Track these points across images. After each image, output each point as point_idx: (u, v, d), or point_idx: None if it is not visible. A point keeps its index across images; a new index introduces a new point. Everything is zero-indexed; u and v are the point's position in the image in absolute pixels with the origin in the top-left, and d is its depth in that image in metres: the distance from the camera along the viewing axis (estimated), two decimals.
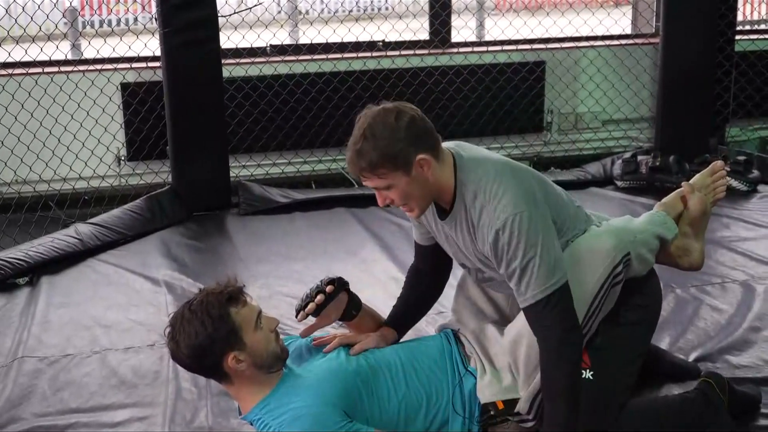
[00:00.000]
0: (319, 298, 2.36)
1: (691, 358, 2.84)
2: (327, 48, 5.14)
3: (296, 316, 2.39)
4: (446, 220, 2.28)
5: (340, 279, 2.44)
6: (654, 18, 5.71)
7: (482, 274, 2.39)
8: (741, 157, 4.85)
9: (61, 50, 4.65)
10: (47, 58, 4.63)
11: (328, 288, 2.38)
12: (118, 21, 6.15)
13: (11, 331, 3.20)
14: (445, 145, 2.26)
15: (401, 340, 2.56)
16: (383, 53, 5.22)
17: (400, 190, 2.16)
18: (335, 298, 2.42)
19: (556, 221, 2.24)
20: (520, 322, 2.28)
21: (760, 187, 4.71)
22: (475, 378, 2.33)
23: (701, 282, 3.37)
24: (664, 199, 2.69)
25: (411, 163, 2.12)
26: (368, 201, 4.52)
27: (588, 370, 2.25)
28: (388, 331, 2.54)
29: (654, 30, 5.67)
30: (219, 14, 4.52)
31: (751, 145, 5.62)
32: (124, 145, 4.94)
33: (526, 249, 2.11)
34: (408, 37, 5.37)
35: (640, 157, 4.91)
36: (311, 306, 2.35)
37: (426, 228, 2.44)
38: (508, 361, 2.30)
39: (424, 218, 2.38)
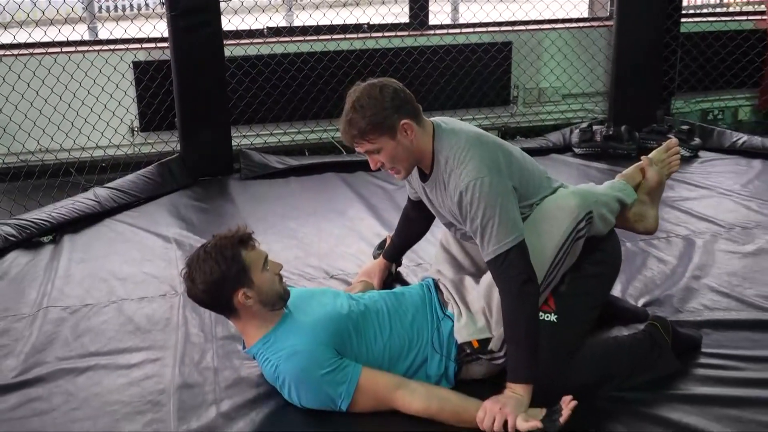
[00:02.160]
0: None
1: (640, 303, 2.84)
2: (318, 30, 5.09)
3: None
4: (427, 183, 2.34)
5: None
6: (608, 2, 5.68)
7: (460, 231, 2.41)
8: (684, 127, 4.85)
9: (78, 32, 4.58)
10: (66, 39, 4.56)
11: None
12: (131, 5, 6.05)
13: (36, 284, 3.17)
14: (429, 119, 2.32)
15: (388, 290, 2.57)
16: (368, 35, 5.16)
17: (388, 152, 2.22)
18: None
19: (519, 188, 2.26)
20: None
21: (701, 153, 4.72)
22: (452, 321, 2.32)
23: (648, 236, 3.36)
24: (625, 171, 2.72)
25: (395, 128, 2.18)
26: (356, 166, 4.52)
27: (552, 314, 2.26)
28: (387, 265, 2.90)
29: (608, 14, 5.65)
30: None
31: (694, 116, 5.62)
32: (137, 117, 4.90)
33: (485, 209, 2.15)
34: (390, 20, 5.32)
35: (595, 127, 4.90)
36: None
37: (415, 189, 2.53)
38: (482, 306, 2.30)
39: (411, 181, 2.46)
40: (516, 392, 2.12)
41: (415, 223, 2.78)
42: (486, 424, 2.08)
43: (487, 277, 2.31)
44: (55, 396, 2.36)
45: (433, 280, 2.51)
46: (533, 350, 2.15)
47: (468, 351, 2.29)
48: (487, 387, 2.27)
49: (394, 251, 2.93)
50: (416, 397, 2.16)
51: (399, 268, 3.04)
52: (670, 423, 2.14)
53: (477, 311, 2.31)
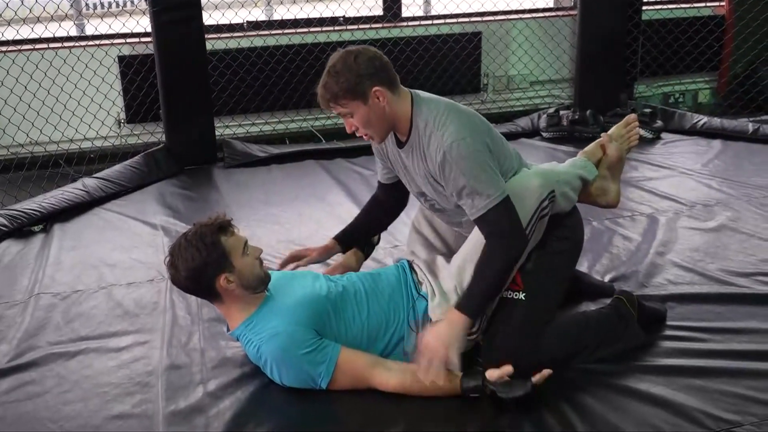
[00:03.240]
0: None
1: (606, 279, 2.84)
2: (295, 23, 5.02)
3: None
4: (403, 149, 2.28)
5: None
6: None
7: (437, 204, 2.35)
8: (647, 110, 4.84)
9: (64, 28, 4.50)
10: (53, 36, 4.48)
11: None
12: (116, 3, 5.95)
13: (28, 272, 3.12)
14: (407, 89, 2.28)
15: (365, 271, 2.51)
16: (343, 27, 5.11)
17: (360, 117, 2.17)
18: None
19: (491, 148, 2.22)
20: (464, 251, 2.28)
21: (663, 135, 4.72)
22: (427, 300, 2.30)
23: (614, 215, 3.37)
24: (586, 148, 2.69)
25: (367, 94, 2.14)
26: (335, 154, 4.49)
27: (521, 292, 2.23)
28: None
29: (572, 3, 5.61)
30: None
31: (656, 100, 5.62)
32: (123, 109, 4.82)
33: (469, 169, 2.11)
34: (364, 12, 5.25)
35: (561, 112, 4.88)
36: None
37: (389, 164, 2.43)
38: (454, 284, 2.27)
39: (386, 150, 2.38)
40: (453, 319, 2.13)
41: (382, 207, 2.62)
42: (423, 366, 2.09)
43: (458, 257, 2.29)
44: (47, 379, 2.33)
45: (408, 261, 2.48)
46: (488, 296, 2.17)
47: None
48: (462, 360, 2.22)
49: (349, 232, 2.63)
50: (392, 375, 2.15)
51: (377, 249, 2.94)
52: (638, 393, 2.14)
53: (450, 290, 2.27)
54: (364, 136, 2.25)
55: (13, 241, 3.44)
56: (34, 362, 2.42)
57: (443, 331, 2.12)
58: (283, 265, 2.52)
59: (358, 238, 2.65)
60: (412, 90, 2.28)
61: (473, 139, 2.14)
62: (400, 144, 2.29)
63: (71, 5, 4.98)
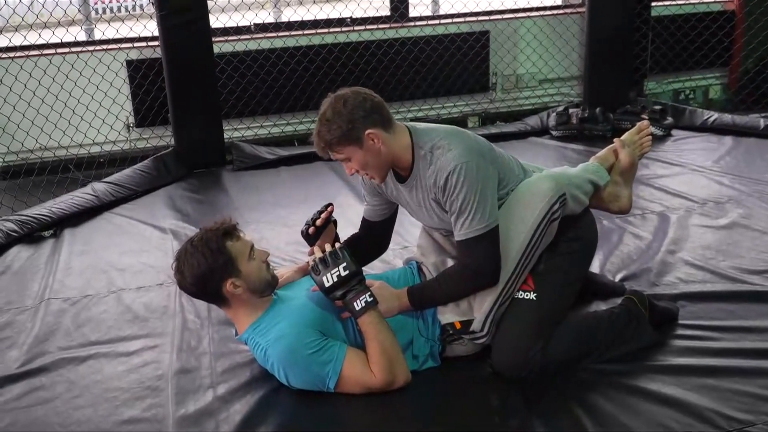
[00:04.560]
0: (324, 215, 2.39)
1: (617, 278, 2.82)
2: (303, 25, 5.02)
3: (305, 234, 2.40)
4: (405, 184, 2.28)
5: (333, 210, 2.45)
6: None
7: (444, 231, 2.37)
8: (657, 107, 4.83)
9: (71, 33, 4.52)
10: (60, 41, 4.50)
11: (330, 208, 2.40)
12: (125, 7, 5.97)
13: (38, 277, 3.13)
14: (403, 123, 2.28)
15: (374, 273, 2.50)
16: (351, 28, 5.11)
17: (358, 160, 2.18)
18: (328, 225, 2.43)
19: (500, 174, 2.24)
20: None
21: (674, 132, 4.69)
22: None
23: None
24: (598, 153, 2.69)
25: (361, 139, 2.14)
26: None
27: (532, 292, 2.23)
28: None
29: (580, 1, 5.58)
30: None
31: (666, 96, 5.59)
32: (132, 114, 4.83)
33: (467, 193, 2.12)
34: (372, 13, 5.25)
35: (571, 110, 4.87)
36: (321, 218, 2.38)
37: (384, 200, 2.43)
38: None
39: (387, 188, 2.37)
40: (401, 297, 2.24)
41: (363, 246, 2.49)
42: None
43: None
44: (57, 385, 2.33)
45: (417, 263, 2.48)
46: (437, 302, 2.26)
47: (451, 332, 2.26)
48: (471, 360, 2.28)
49: None
50: (373, 360, 2.14)
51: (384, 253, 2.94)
52: (649, 393, 2.12)
53: None
54: (365, 176, 2.27)
55: (23, 247, 3.45)
56: (45, 367, 2.43)
57: (388, 298, 2.23)
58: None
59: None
60: (408, 123, 2.27)
61: (477, 165, 2.14)
62: (402, 179, 2.28)
63: (79, 10, 5.00)
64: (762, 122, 4.58)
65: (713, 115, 4.78)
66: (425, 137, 2.21)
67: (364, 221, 2.52)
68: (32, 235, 3.55)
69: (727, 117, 4.74)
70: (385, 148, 2.17)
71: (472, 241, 2.15)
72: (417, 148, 2.20)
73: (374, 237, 2.53)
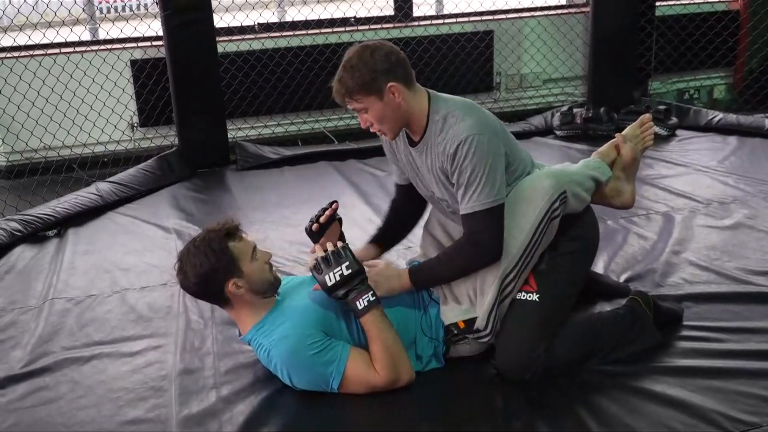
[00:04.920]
0: (328, 211, 2.36)
1: (622, 279, 2.80)
2: (306, 25, 5.02)
3: (309, 231, 2.38)
4: (416, 147, 2.27)
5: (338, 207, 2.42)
6: None
7: (447, 205, 2.33)
8: (662, 107, 4.81)
9: (76, 33, 4.53)
10: (65, 41, 4.51)
11: (334, 205, 2.38)
12: (129, 7, 5.98)
13: (42, 277, 3.13)
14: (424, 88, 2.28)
15: None
16: (355, 28, 5.11)
17: (375, 112, 2.16)
18: (332, 223, 2.40)
19: (509, 156, 2.22)
20: None
21: (678, 132, 4.68)
22: (438, 304, 2.29)
23: (629, 214, 3.33)
24: (600, 149, 2.66)
25: (382, 90, 2.13)
26: (347, 155, 4.48)
27: (534, 293, 2.22)
28: (369, 248, 2.53)
29: (585, 1, 5.57)
30: None
31: (670, 96, 5.58)
32: (136, 113, 4.84)
33: (477, 165, 2.11)
34: (375, 13, 5.25)
35: (575, 110, 4.85)
36: (325, 215, 2.36)
37: (401, 165, 2.41)
38: (466, 287, 2.25)
39: (397, 149, 2.37)
40: (403, 277, 2.25)
41: (403, 209, 2.60)
42: None
43: None
44: (61, 385, 2.33)
45: (418, 263, 2.47)
46: (438, 281, 2.27)
47: (455, 332, 2.25)
48: (475, 361, 2.27)
49: (379, 235, 2.60)
50: (376, 359, 2.14)
51: (388, 252, 2.94)
52: (654, 395, 2.11)
53: (461, 293, 2.26)
54: (377, 132, 2.24)
55: (27, 246, 3.45)
56: (48, 367, 2.42)
57: (391, 277, 2.25)
58: None
59: (394, 237, 2.61)
60: (428, 89, 2.26)
61: (489, 140, 2.13)
62: (413, 143, 2.28)
63: (83, 10, 5.00)
64: (767, 122, 4.56)
65: (718, 115, 4.76)
66: (442, 104, 2.21)
67: (396, 186, 2.55)
68: (36, 234, 3.54)
69: (732, 117, 4.72)
70: (404, 104, 2.17)
71: (479, 215, 2.13)
72: (432, 113, 2.20)
73: (409, 198, 2.51)
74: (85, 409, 2.20)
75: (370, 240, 2.57)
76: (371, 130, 2.24)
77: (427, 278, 2.27)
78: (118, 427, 2.12)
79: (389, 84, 2.13)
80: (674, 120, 4.74)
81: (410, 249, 3.07)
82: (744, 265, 2.85)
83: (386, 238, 2.58)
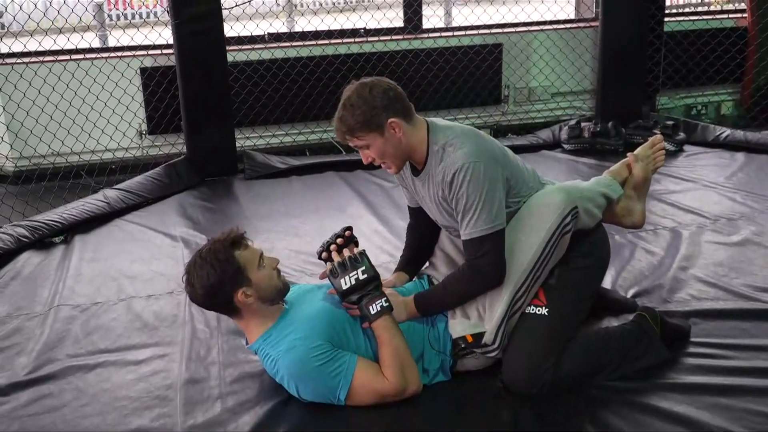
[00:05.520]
0: (340, 240, 2.31)
1: (629, 294, 2.79)
2: (317, 35, 5.04)
3: (319, 257, 2.34)
4: (419, 177, 2.29)
5: (352, 233, 2.37)
6: (594, 4, 5.62)
7: (452, 231, 2.36)
8: (669, 122, 4.80)
9: (86, 40, 4.54)
10: (75, 47, 4.52)
11: (347, 233, 2.34)
12: (133, 15, 6.00)
13: (48, 283, 3.13)
14: (424, 118, 2.30)
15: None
16: (365, 39, 5.11)
17: (377, 148, 2.20)
18: (348, 246, 2.34)
19: (510, 181, 2.24)
20: None
21: (686, 147, 4.67)
22: (446, 318, 2.28)
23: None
24: (612, 167, 2.66)
25: (383, 126, 2.16)
26: (355, 165, 4.47)
27: (544, 307, 2.21)
28: (400, 275, 2.53)
29: (594, 15, 5.59)
30: (223, 6, 4.40)
31: (678, 112, 5.57)
32: (145, 121, 4.85)
33: (473, 192, 2.13)
34: (385, 24, 5.26)
35: (583, 124, 4.84)
36: (334, 246, 2.30)
37: (411, 191, 2.44)
38: (474, 302, 2.24)
39: (404, 179, 2.40)
40: (409, 305, 2.25)
41: (421, 230, 2.57)
42: None
43: None
44: (65, 392, 2.32)
45: (428, 276, 2.47)
46: (443, 306, 2.26)
47: (463, 345, 2.24)
48: (482, 375, 2.26)
49: (404, 262, 2.60)
50: (386, 364, 2.14)
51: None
52: (662, 412, 2.09)
53: (470, 307, 2.25)
54: (381, 166, 2.27)
55: (33, 252, 3.45)
56: (53, 375, 2.41)
57: (397, 305, 2.23)
58: None
59: (418, 261, 2.58)
60: (427, 119, 2.29)
61: (486, 166, 2.15)
62: (416, 172, 2.30)
63: (94, 17, 5.02)
64: None
65: (725, 131, 4.75)
66: (440, 134, 2.23)
67: (410, 209, 2.56)
68: (43, 241, 3.55)
69: (740, 133, 4.71)
70: (405, 139, 2.20)
71: (476, 241, 2.15)
72: (432, 144, 2.22)
73: (423, 220, 2.50)
74: (89, 418, 2.19)
75: (396, 268, 2.57)
76: (374, 164, 2.26)
77: (433, 306, 2.27)
78: None
79: (389, 120, 2.16)
80: (682, 135, 4.73)
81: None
82: (751, 282, 2.84)
83: (411, 264, 2.58)
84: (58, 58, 4.51)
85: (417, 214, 2.52)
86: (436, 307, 2.27)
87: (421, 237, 2.57)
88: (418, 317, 2.26)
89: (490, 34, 5.33)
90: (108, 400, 2.27)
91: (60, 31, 4.50)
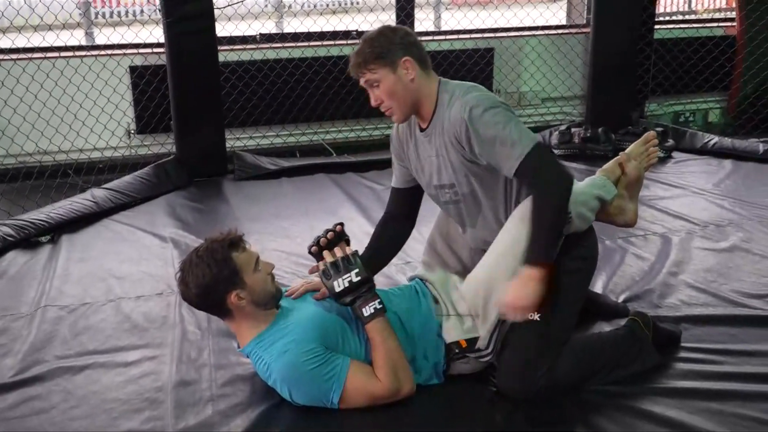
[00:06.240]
0: (330, 234, 2.28)
1: (620, 299, 2.79)
2: (308, 36, 5.03)
3: (309, 251, 2.31)
4: (425, 131, 2.28)
5: (343, 228, 2.33)
6: (585, 11, 5.64)
7: (454, 193, 2.31)
8: (659, 129, 4.80)
9: (76, 37, 4.50)
10: (64, 45, 4.48)
11: (338, 227, 2.31)
12: (126, 12, 5.96)
13: (35, 283, 3.09)
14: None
15: (378, 289, 2.44)
16: (356, 41, 5.08)
17: (387, 85, 2.18)
18: (339, 243, 2.28)
19: None
20: (478, 272, 2.24)
21: (675, 154, 4.70)
22: (440, 322, 2.26)
23: (627, 234, 3.33)
24: (605, 166, 2.65)
25: (396, 63, 2.17)
26: (345, 168, 4.47)
27: (537, 313, 2.19)
28: None
29: (585, 21, 5.61)
30: (215, 6, 4.37)
31: (667, 118, 5.61)
32: (134, 120, 4.81)
33: (499, 119, 2.13)
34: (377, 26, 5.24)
35: (573, 129, 4.87)
36: (323, 240, 2.27)
37: (405, 162, 2.40)
38: (468, 306, 2.23)
39: (402, 144, 2.38)
40: (526, 275, 2.07)
41: (395, 224, 2.50)
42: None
43: (473, 277, 2.25)
44: (53, 394, 2.28)
45: (422, 279, 2.45)
46: (551, 239, 2.12)
47: (456, 350, 2.23)
48: (474, 382, 2.24)
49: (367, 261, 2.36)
50: (379, 366, 2.12)
51: (389, 265, 2.86)
52: (654, 416, 2.09)
53: (464, 312, 2.24)
54: (386, 111, 2.25)
55: (19, 252, 3.41)
56: (40, 376, 2.37)
57: (520, 290, 2.06)
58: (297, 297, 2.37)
59: (378, 265, 2.47)
60: (440, 77, 2.29)
61: (498, 103, 2.17)
62: (421, 130, 2.29)
63: (82, 14, 4.98)
64: (761, 147, 4.59)
65: (713, 139, 4.79)
66: (451, 85, 2.25)
67: (393, 192, 2.51)
68: (29, 240, 3.50)
69: (727, 141, 4.75)
70: (416, 82, 2.19)
71: (527, 161, 2.09)
72: (442, 93, 2.23)
73: (403, 208, 2.48)
74: (77, 420, 2.15)
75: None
76: (381, 108, 2.24)
77: (541, 248, 2.10)
78: None
79: (404, 58, 2.17)
80: (671, 142, 4.76)
81: (409, 264, 3.06)
82: (740, 288, 2.86)
83: (371, 263, 2.42)
84: (47, 55, 4.47)
85: (399, 200, 2.48)
86: (547, 246, 2.11)
87: (393, 233, 2.50)
88: (546, 268, 2.08)
89: (482, 38, 5.33)
90: (97, 402, 2.24)
91: (50, 27, 4.45)
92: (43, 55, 4.46)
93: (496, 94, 5.27)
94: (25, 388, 2.31)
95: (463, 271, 2.41)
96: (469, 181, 2.26)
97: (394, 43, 2.17)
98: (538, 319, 2.18)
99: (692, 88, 5.54)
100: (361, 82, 2.22)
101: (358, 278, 2.14)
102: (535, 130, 5.17)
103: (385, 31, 2.20)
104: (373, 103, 2.25)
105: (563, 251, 2.24)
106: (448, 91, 2.22)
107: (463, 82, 2.28)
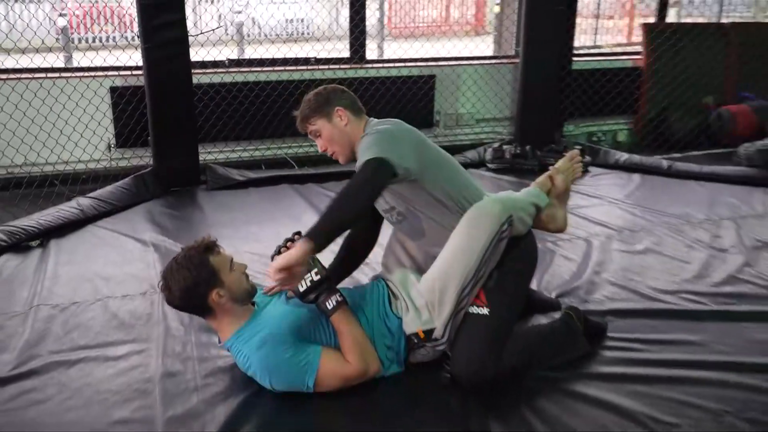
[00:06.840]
0: (290, 243, 2.20)
1: (553, 295, 2.82)
2: (273, 62, 4.95)
3: (272, 259, 2.22)
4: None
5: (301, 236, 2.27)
6: (515, 44, 5.69)
7: (398, 214, 2.33)
8: (578, 146, 4.88)
9: (61, 60, 4.35)
10: (51, 66, 4.33)
11: (296, 236, 2.23)
12: (107, 38, 5.79)
13: (27, 285, 2.95)
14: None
15: (342, 286, 2.42)
16: (315, 67, 5.05)
17: (326, 134, 2.29)
18: None
19: (460, 185, 2.27)
20: (433, 271, 2.23)
21: (591, 168, 4.77)
22: (399, 318, 2.24)
23: (555, 238, 3.37)
24: (537, 179, 2.67)
25: (331, 113, 2.28)
26: (306, 179, 4.41)
27: (485, 307, 2.19)
28: None
29: (514, 53, 5.66)
30: (189, 34, 4.26)
31: (581, 137, 5.70)
32: (114, 135, 4.65)
33: (372, 142, 2.14)
34: (334, 54, 5.21)
35: (504, 146, 4.90)
36: (284, 248, 2.19)
37: None
38: (425, 301, 2.22)
39: None
40: (301, 244, 1.96)
41: (358, 239, 2.53)
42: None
43: (429, 276, 2.24)
44: (49, 387, 2.19)
45: (383, 278, 2.43)
46: (327, 220, 1.98)
47: (415, 341, 2.21)
48: (433, 368, 2.23)
49: (334, 270, 2.50)
50: (347, 351, 2.10)
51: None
52: (589, 398, 2.11)
53: (421, 306, 2.22)
54: (332, 156, 2.30)
55: (11, 256, 3.26)
56: (36, 371, 2.27)
57: (286, 254, 1.97)
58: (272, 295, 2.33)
59: (347, 271, 2.63)
60: (370, 118, 2.35)
61: (392, 133, 2.19)
62: None
63: (57, 39, 4.82)
64: (665, 163, 4.70)
65: (624, 155, 4.88)
66: (372, 123, 2.30)
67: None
68: (20, 245, 3.35)
69: (636, 157, 4.85)
70: (349, 127, 2.28)
71: (361, 167, 2.03)
72: (365, 132, 2.28)
73: (366, 223, 2.50)
74: (73, 410, 2.07)
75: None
76: (327, 154, 2.31)
77: (315, 226, 1.98)
78: (106, 427, 2.00)
79: (336, 108, 2.27)
80: (588, 158, 4.84)
81: (368, 265, 3.01)
82: (654, 285, 2.91)
83: (341, 270, 2.56)
84: (35, 76, 4.30)
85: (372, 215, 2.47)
86: (317, 225, 1.98)
87: (355, 247, 2.57)
88: (310, 243, 1.95)
89: (426, 66, 5.33)
90: (90, 393, 2.15)
91: (37, 50, 4.28)
92: (31, 76, 4.29)
93: (437, 116, 5.39)
94: (22, 381, 2.22)
95: (419, 271, 2.39)
96: (400, 200, 2.26)
97: (328, 98, 2.28)
98: (487, 313, 2.18)
99: (604, 111, 5.64)
100: (309, 134, 2.30)
101: (318, 277, 2.10)
102: (471, 146, 5.23)
103: (319, 90, 2.31)
104: (320, 149, 2.31)
105: (506, 252, 2.24)
106: (367, 129, 2.28)
107: (383, 120, 2.32)
